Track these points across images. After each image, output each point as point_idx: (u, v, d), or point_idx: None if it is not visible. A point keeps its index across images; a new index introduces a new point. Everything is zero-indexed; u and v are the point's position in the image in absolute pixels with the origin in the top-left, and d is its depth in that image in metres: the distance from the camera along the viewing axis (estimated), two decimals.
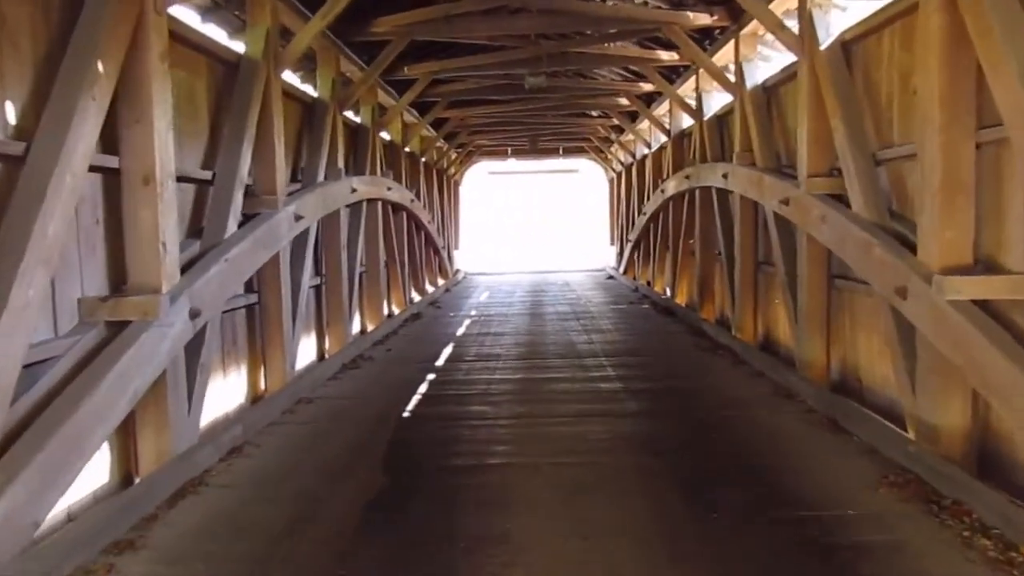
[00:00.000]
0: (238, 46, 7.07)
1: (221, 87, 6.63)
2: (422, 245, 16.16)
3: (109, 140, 4.74)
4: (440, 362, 8.75)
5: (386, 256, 12.56)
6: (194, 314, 5.02)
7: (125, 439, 4.80)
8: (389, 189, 11.95)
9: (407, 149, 14.68)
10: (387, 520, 4.17)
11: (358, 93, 9.85)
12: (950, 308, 4.45)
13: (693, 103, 11.83)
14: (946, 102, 4.63)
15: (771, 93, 8.78)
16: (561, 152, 24.53)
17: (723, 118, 10.79)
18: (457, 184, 24.48)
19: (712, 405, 6.45)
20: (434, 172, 18.67)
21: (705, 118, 11.14)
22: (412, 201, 14.19)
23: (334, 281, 9.32)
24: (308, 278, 8.04)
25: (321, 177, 8.69)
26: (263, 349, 7.11)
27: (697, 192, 11.49)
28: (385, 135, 13.41)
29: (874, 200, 5.93)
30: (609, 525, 4.04)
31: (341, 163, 9.41)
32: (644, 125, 16.75)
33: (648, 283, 16.23)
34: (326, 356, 9.13)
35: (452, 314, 13.45)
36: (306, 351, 8.75)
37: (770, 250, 8.91)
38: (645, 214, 16.09)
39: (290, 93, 8.40)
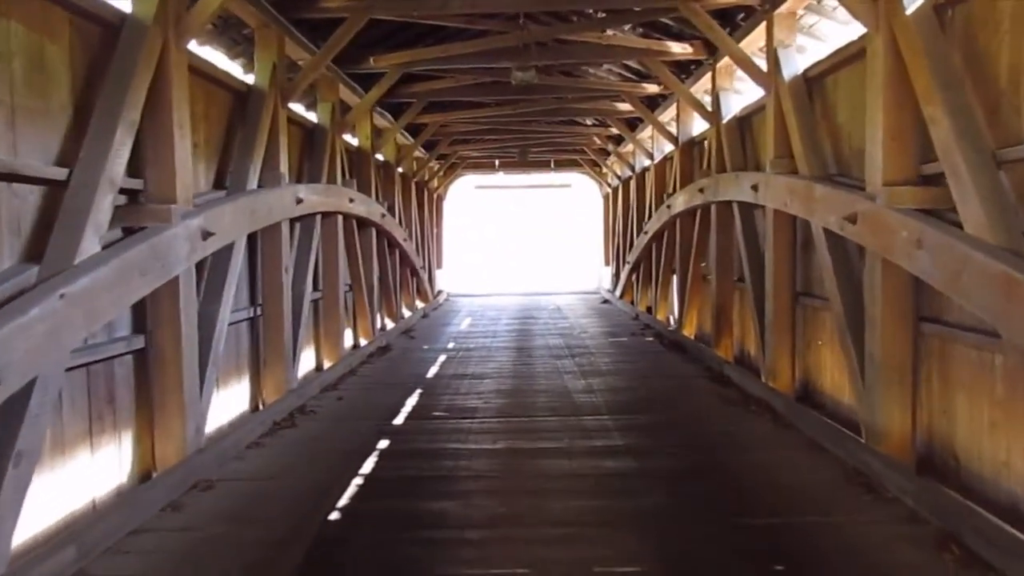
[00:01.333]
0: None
1: (96, 57, 4.85)
2: (396, 265, 14.35)
3: None
4: (399, 420, 6.88)
5: (350, 279, 10.82)
6: None
7: None
8: (352, 201, 10.16)
9: (379, 157, 12.89)
10: None
11: (306, 82, 8.04)
12: None
13: (707, 106, 10.17)
14: None
15: (813, 85, 7.09)
16: (553, 165, 22.85)
17: (746, 120, 9.09)
18: (440, 199, 22.75)
19: (768, 504, 4.57)
20: (413, 185, 16.93)
21: (724, 121, 9.43)
22: (383, 216, 12.41)
23: (273, 313, 7.53)
24: (228, 312, 6.24)
25: (253, 184, 6.90)
26: (154, 408, 5.30)
27: (713, 208, 9.76)
28: (353, 140, 11.68)
29: (1002, 217, 4.19)
30: None
31: (284, 167, 7.60)
32: (644, 134, 15.09)
33: (649, 309, 14.47)
34: (262, 406, 7.33)
35: (426, 346, 11.60)
36: (237, 400, 6.97)
37: (811, 279, 7.21)
38: (647, 233, 14.35)
39: (213, 76, 6.64)
